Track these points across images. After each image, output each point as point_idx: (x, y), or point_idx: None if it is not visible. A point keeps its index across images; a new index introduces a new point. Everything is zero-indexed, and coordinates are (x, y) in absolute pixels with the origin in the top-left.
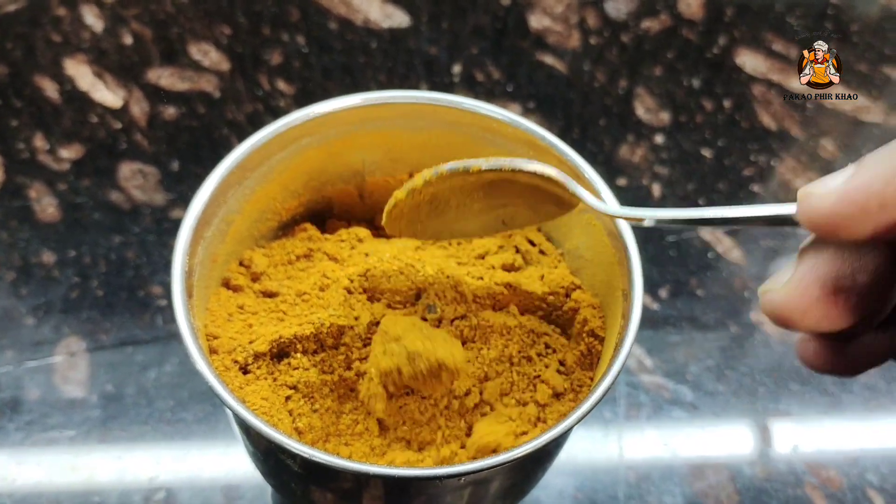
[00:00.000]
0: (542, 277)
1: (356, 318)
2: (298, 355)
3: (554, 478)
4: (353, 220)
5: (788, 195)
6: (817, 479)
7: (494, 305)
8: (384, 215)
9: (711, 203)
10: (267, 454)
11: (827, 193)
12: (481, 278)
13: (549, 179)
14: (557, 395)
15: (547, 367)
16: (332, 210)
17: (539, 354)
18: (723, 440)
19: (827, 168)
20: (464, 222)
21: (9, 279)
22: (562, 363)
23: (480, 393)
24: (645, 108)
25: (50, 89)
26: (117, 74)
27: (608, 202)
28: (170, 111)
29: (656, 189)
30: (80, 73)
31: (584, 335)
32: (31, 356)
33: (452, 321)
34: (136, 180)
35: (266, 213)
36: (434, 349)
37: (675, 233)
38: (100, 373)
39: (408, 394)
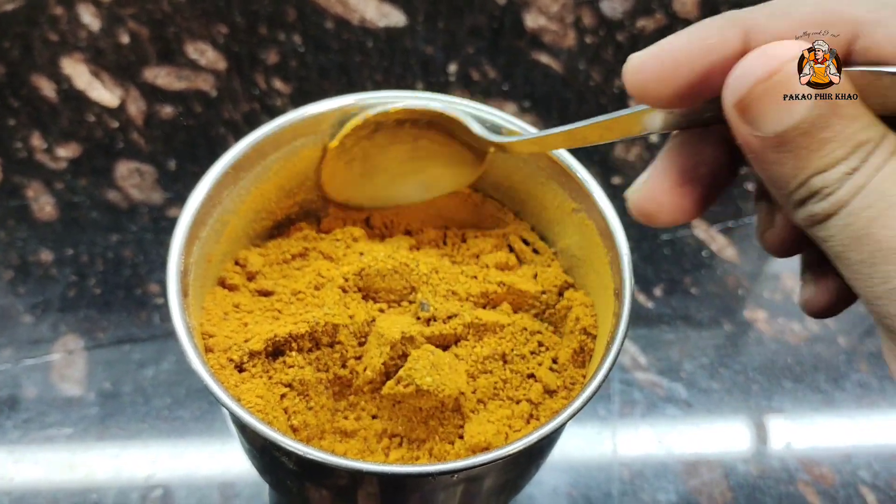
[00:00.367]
0: (536, 276)
1: (351, 317)
2: (293, 353)
3: (548, 475)
4: (347, 219)
5: None
6: (810, 476)
7: (488, 304)
8: (321, 172)
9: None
10: (262, 452)
11: (642, 56)
12: (475, 277)
13: (449, 118)
14: (550, 393)
15: (540, 364)
16: (328, 209)
17: (532, 352)
18: (716, 437)
19: None
20: (393, 188)
21: (6, 278)
22: (555, 361)
23: (474, 391)
24: None
25: (47, 88)
26: (114, 73)
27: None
28: (167, 110)
29: None
30: (77, 72)
31: (577, 333)
32: (28, 354)
33: (446, 319)
34: (133, 179)
35: (261, 213)
36: (443, 384)
37: (670, 231)
38: (97, 371)
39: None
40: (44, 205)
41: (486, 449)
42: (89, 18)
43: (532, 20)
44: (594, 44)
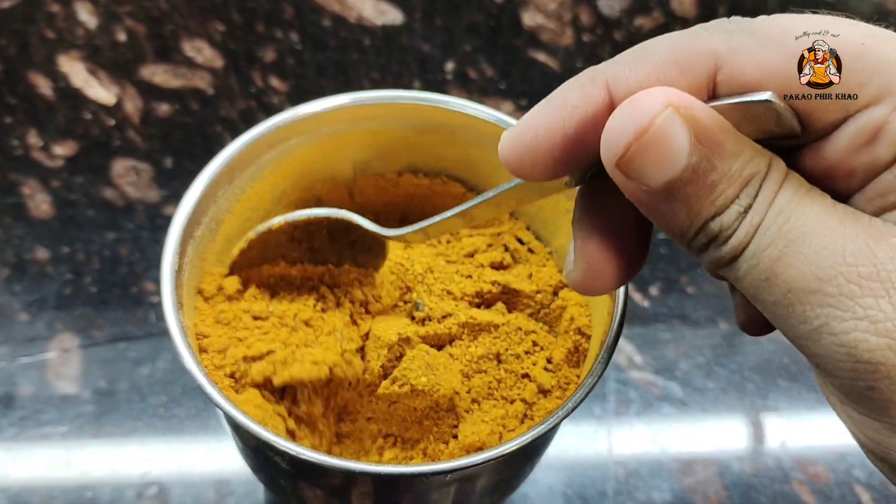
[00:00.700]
0: (531, 276)
1: (348, 363)
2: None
3: (543, 473)
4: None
5: None
6: (805, 475)
7: (482, 303)
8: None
9: None
10: (256, 452)
11: (513, 133)
12: (470, 276)
13: (341, 221)
14: (544, 392)
15: (534, 364)
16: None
17: (526, 352)
18: (712, 436)
19: None
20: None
21: (2, 276)
22: (549, 360)
23: (468, 390)
24: None
25: (44, 86)
26: (111, 71)
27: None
28: (163, 108)
29: None
30: (74, 69)
31: (572, 333)
32: (24, 352)
33: (440, 319)
34: (129, 177)
35: (256, 213)
36: (437, 384)
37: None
38: (93, 369)
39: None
40: (40, 202)
41: (481, 449)
42: (86, 16)
43: (529, 18)
44: (592, 42)
